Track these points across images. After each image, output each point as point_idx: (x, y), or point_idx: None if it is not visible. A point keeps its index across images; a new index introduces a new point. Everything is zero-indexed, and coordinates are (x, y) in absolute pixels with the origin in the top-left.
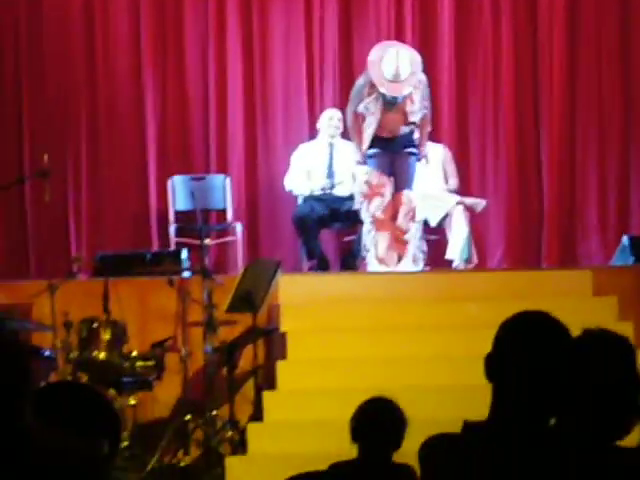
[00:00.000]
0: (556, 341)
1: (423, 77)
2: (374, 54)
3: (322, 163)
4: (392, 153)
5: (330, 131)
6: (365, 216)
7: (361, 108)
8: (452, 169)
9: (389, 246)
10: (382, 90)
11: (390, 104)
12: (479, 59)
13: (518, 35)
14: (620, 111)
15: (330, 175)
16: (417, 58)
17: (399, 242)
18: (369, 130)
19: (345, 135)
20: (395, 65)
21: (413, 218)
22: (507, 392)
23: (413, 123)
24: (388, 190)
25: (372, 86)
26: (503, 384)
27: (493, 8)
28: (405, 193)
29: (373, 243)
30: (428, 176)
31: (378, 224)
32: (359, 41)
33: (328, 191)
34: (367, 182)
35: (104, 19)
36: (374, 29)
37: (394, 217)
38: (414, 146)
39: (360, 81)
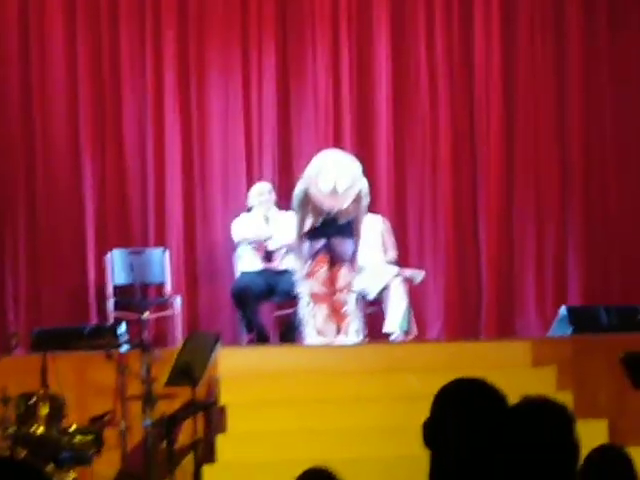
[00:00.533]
0: (492, 406)
1: (359, 188)
2: (311, 168)
3: (255, 230)
4: (328, 233)
5: (263, 206)
6: (303, 290)
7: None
8: (390, 241)
9: (327, 319)
10: (320, 205)
11: (328, 213)
12: (417, 132)
13: (455, 111)
14: (557, 183)
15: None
16: (355, 169)
17: (337, 315)
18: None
19: (281, 205)
20: (333, 179)
21: (350, 291)
22: (445, 457)
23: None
24: (325, 265)
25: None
26: (441, 450)
27: (430, 80)
28: (342, 266)
29: (311, 315)
30: (366, 248)
31: (316, 297)
32: (297, 115)
33: (265, 243)
34: (305, 263)
35: (42, 92)
36: (312, 102)
37: (332, 290)
38: (351, 233)
39: (300, 187)
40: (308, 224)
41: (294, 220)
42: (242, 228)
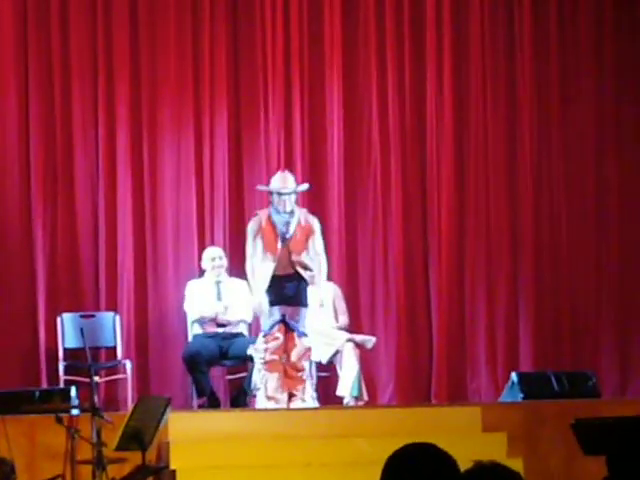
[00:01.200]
0: (442, 472)
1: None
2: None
3: (210, 303)
4: (283, 303)
5: (214, 272)
6: (256, 356)
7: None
8: (342, 306)
9: (279, 386)
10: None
11: (282, 235)
12: (369, 198)
13: (407, 176)
14: (508, 249)
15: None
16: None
17: (293, 379)
18: (265, 271)
19: (232, 272)
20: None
21: (307, 357)
22: None
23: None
24: (281, 334)
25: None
26: None
27: (382, 144)
28: (298, 335)
29: (262, 382)
30: (318, 313)
31: (269, 364)
32: (249, 177)
33: (221, 317)
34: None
35: None
36: (264, 165)
37: (286, 357)
38: (305, 301)
39: (253, 226)
40: (262, 273)
41: (247, 279)
42: (197, 306)
